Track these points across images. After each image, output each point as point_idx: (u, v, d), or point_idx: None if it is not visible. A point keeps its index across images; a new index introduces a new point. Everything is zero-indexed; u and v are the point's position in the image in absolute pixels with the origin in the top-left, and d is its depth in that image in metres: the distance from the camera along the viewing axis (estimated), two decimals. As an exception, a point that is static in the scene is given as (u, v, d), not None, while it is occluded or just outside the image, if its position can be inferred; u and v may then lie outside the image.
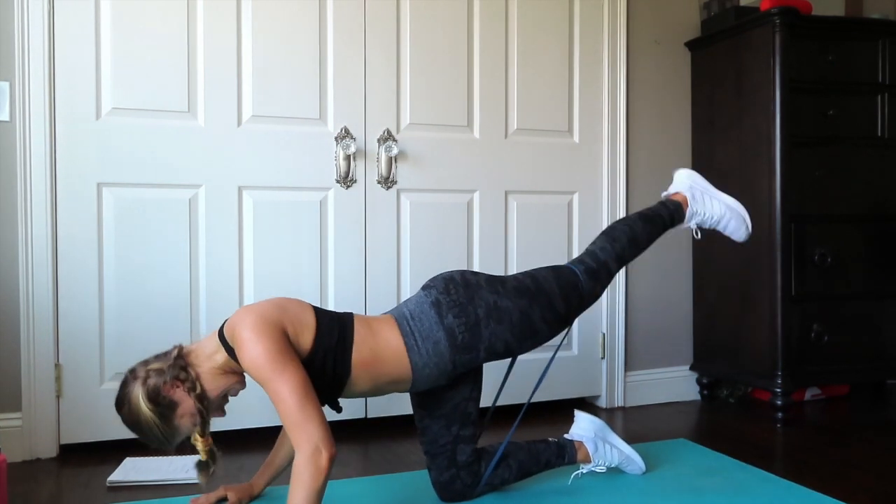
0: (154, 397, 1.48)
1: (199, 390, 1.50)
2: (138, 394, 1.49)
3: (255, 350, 1.41)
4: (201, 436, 1.53)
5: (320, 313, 1.58)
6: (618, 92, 2.78)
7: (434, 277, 1.70)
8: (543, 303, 1.67)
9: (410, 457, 2.18)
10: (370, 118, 2.47)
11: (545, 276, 1.72)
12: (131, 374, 1.52)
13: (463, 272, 1.69)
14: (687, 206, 1.92)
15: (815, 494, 1.81)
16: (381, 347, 1.58)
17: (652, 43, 2.86)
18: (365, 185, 2.47)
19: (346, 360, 1.55)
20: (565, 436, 1.89)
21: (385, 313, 1.69)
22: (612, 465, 1.90)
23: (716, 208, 1.93)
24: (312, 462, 1.37)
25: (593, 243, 1.84)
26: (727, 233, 1.96)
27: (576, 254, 2.75)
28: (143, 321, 2.24)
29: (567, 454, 1.84)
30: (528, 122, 2.68)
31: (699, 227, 1.96)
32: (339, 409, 1.65)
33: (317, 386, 1.53)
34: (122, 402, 1.52)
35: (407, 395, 2.48)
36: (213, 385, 1.53)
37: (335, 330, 1.55)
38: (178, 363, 1.52)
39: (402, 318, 1.63)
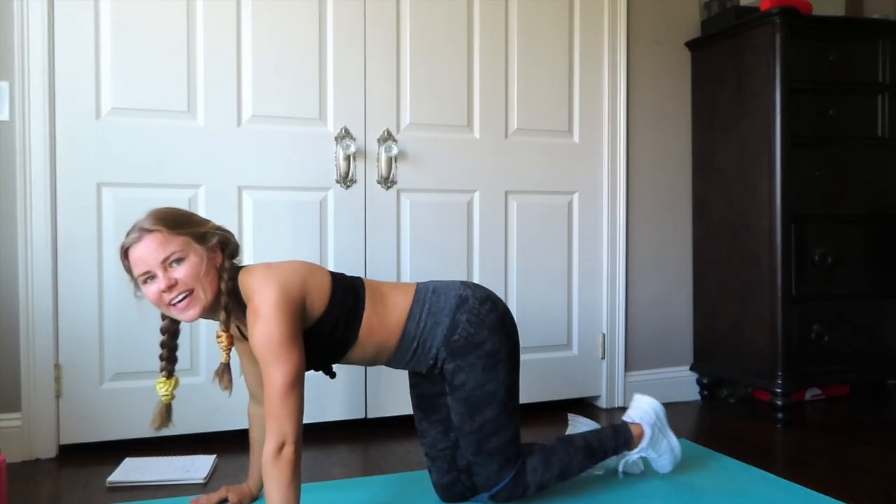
0: (208, 220, 1.55)
1: (233, 286, 1.50)
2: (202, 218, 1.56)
3: (268, 329, 1.41)
4: (226, 331, 1.50)
5: (335, 278, 1.58)
6: (618, 92, 2.78)
7: (482, 286, 1.69)
8: (500, 416, 1.61)
9: (410, 457, 2.18)
10: (370, 118, 2.47)
11: (508, 435, 1.63)
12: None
13: (510, 314, 1.68)
14: (642, 441, 1.82)
15: (815, 494, 1.81)
16: (388, 313, 1.59)
17: (652, 43, 2.86)
18: (365, 185, 2.47)
19: (356, 325, 1.55)
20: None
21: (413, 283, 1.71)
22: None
23: (662, 448, 1.86)
24: (278, 455, 1.38)
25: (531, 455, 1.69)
26: (654, 465, 1.89)
27: (576, 254, 2.75)
28: (143, 321, 2.23)
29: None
30: (528, 122, 2.68)
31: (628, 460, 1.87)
32: (332, 375, 1.64)
33: (321, 349, 1.54)
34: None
35: (407, 395, 2.49)
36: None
37: (349, 295, 1.56)
38: (237, 261, 1.56)
39: (426, 288, 1.65)
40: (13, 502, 1.80)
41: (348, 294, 1.56)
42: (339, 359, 1.60)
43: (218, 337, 1.51)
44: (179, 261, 1.45)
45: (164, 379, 1.59)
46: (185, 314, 1.48)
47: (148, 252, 1.44)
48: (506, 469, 1.62)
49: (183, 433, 2.29)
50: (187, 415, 2.29)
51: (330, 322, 1.53)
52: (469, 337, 1.58)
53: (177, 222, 1.48)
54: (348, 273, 2.41)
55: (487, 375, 1.59)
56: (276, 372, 1.40)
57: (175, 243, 1.45)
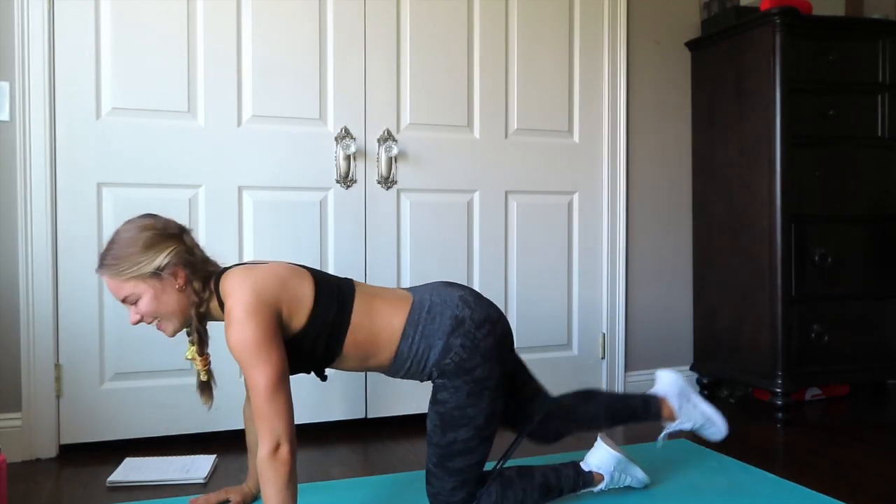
0: (162, 245, 1.48)
1: (203, 308, 1.51)
2: (160, 226, 1.51)
3: (242, 333, 1.39)
4: (200, 354, 1.53)
5: (319, 286, 1.52)
6: (618, 92, 2.78)
7: (484, 302, 1.62)
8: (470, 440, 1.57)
9: (410, 457, 2.18)
10: (370, 118, 2.47)
11: (477, 457, 1.59)
12: (177, 225, 1.54)
13: (510, 334, 1.62)
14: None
15: (815, 494, 1.81)
16: (377, 331, 1.54)
17: (652, 43, 2.86)
18: (365, 185, 2.47)
19: (339, 340, 1.52)
20: (651, 391, 1.92)
21: (408, 289, 1.65)
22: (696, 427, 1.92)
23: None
24: (273, 456, 1.38)
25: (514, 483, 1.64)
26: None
27: (576, 254, 2.76)
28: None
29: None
30: (528, 122, 2.68)
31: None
32: (323, 378, 1.63)
33: (305, 361, 1.53)
34: (136, 219, 1.53)
35: (407, 395, 2.49)
36: (211, 314, 1.56)
37: (333, 307, 1.51)
38: (210, 270, 1.54)
39: (420, 306, 1.57)
40: (13, 502, 1.81)
41: (331, 307, 1.51)
42: (327, 366, 1.59)
43: (192, 359, 1.54)
44: (136, 300, 1.49)
45: (195, 355, 1.56)
46: (165, 333, 1.55)
47: (109, 289, 1.51)
48: (459, 490, 1.57)
49: (183, 433, 2.29)
50: (187, 415, 2.29)
51: (309, 338, 1.50)
52: (461, 362, 1.53)
53: (120, 266, 1.46)
54: (348, 273, 2.42)
55: (471, 400, 1.54)
56: (258, 375, 1.39)
57: (125, 288, 1.48)
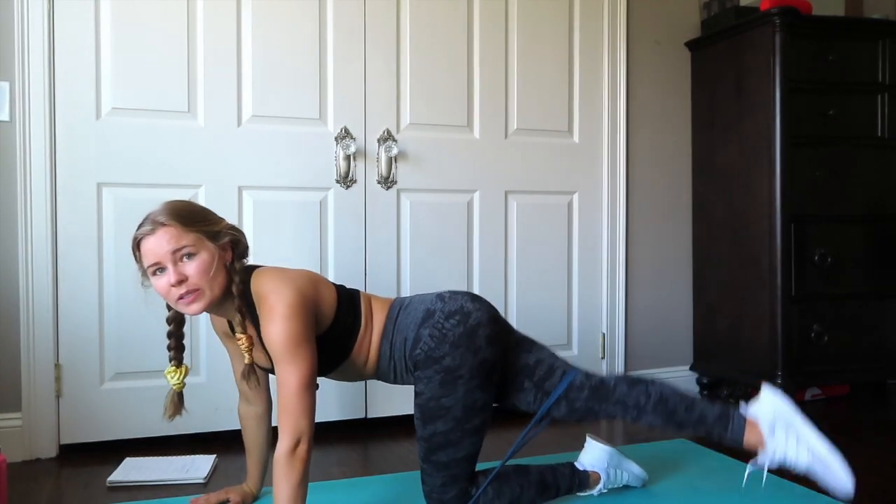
0: (220, 218, 1.53)
1: (242, 289, 1.49)
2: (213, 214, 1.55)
3: (286, 329, 1.41)
4: (244, 332, 1.50)
5: (340, 295, 1.59)
6: (618, 92, 2.78)
7: (462, 297, 1.61)
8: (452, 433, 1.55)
9: (410, 457, 2.18)
10: (370, 118, 2.47)
11: (467, 453, 1.56)
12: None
13: (487, 325, 1.58)
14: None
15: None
16: (372, 333, 1.60)
17: (652, 43, 2.86)
18: (365, 185, 2.47)
19: (349, 344, 1.57)
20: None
21: (396, 297, 1.71)
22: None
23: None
24: (293, 453, 1.40)
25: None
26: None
27: (576, 254, 2.75)
28: (143, 321, 2.24)
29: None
30: (528, 122, 2.68)
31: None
32: (315, 387, 1.62)
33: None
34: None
35: (407, 395, 2.49)
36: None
37: (350, 315, 1.57)
38: (245, 262, 1.55)
39: (400, 304, 1.64)
40: (13, 502, 1.81)
41: (349, 312, 1.57)
42: (328, 373, 1.61)
43: (238, 339, 1.52)
44: (190, 255, 1.44)
45: (173, 368, 1.60)
46: (190, 308, 1.48)
47: (160, 244, 1.43)
48: (450, 486, 1.56)
49: (183, 433, 2.29)
50: (187, 415, 2.28)
51: (331, 337, 1.54)
52: (429, 351, 1.54)
53: (191, 218, 1.47)
54: (348, 273, 2.43)
55: (444, 390, 1.53)
56: (294, 371, 1.41)
57: (187, 238, 1.44)
